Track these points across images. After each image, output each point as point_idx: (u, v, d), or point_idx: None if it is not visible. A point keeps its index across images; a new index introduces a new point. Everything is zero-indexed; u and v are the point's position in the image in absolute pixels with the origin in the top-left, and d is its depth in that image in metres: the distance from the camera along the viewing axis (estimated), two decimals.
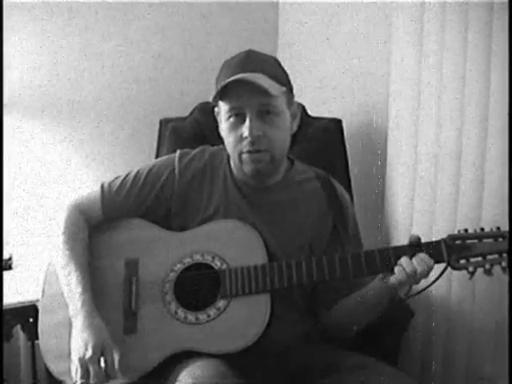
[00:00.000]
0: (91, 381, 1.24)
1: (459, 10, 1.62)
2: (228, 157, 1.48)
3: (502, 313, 1.59)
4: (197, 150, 1.52)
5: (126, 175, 1.48)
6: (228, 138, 1.40)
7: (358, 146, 2.08)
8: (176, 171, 1.46)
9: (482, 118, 1.61)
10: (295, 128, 1.45)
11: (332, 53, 2.18)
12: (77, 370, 1.25)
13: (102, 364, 1.25)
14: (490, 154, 1.60)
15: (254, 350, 1.26)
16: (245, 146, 1.36)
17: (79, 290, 1.33)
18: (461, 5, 1.62)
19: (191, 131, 1.94)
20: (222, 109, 1.39)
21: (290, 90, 1.42)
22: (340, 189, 1.52)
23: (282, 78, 1.39)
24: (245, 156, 1.38)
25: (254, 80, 1.31)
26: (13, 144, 1.98)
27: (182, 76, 2.26)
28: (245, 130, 1.34)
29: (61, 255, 1.39)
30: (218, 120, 1.45)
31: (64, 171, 2.09)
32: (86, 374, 1.24)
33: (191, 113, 1.99)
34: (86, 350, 1.24)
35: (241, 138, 1.36)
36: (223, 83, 1.32)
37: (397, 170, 1.85)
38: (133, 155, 2.16)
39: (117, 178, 1.49)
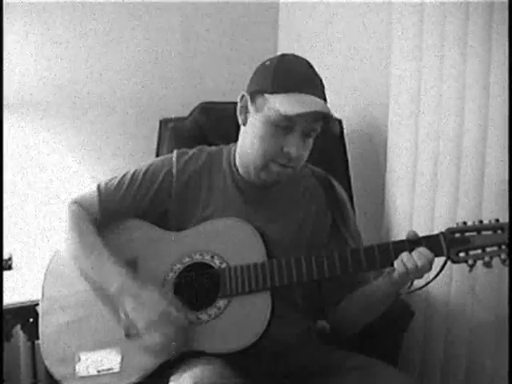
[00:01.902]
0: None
1: (459, 10, 1.62)
2: (230, 155, 1.48)
3: (502, 310, 1.59)
4: (194, 149, 1.51)
5: (123, 175, 1.48)
6: (264, 142, 1.35)
7: (358, 146, 2.08)
8: (173, 171, 1.46)
9: (482, 117, 1.61)
10: None
11: (332, 53, 2.18)
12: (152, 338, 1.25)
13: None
14: (489, 153, 1.60)
15: (253, 350, 1.26)
16: (280, 158, 1.35)
17: (115, 267, 1.32)
18: (461, 5, 1.62)
19: (191, 131, 1.94)
20: (273, 112, 1.32)
21: None
22: (337, 185, 1.53)
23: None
24: (274, 166, 1.36)
25: (329, 113, 1.31)
26: (13, 144, 1.98)
27: (182, 76, 2.26)
28: (291, 146, 1.33)
29: (79, 245, 1.38)
30: (244, 108, 1.38)
31: (64, 171, 2.09)
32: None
33: (191, 113, 1.99)
34: (154, 312, 1.25)
35: (280, 150, 1.34)
36: (303, 110, 1.29)
37: (397, 170, 1.85)
38: (133, 155, 2.15)
39: (113, 178, 1.48)
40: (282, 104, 1.30)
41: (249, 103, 1.38)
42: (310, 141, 1.38)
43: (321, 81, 1.38)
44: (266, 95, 1.34)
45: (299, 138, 1.34)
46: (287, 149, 1.33)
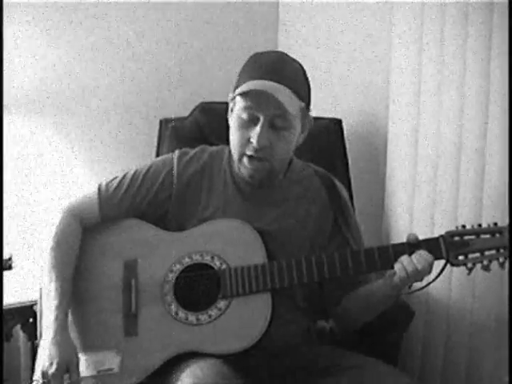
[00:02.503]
0: None
1: (459, 10, 1.62)
2: (230, 156, 1.48)
3: (501, 311, 1.59)
4: (196, 149, 1.51)
5: (124, 175, 1.48)
6: (234, 135, 1.39)
7: (358, 146, 2.08)
8: (174, 171, 1.46)
9: (482, 117, 1.61)
10: (301, 141, 1.45)
11: (332, 53, 2.18)
12: (37, 382, 1.24)
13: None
14: (489, 153, 1.60)
15: (253, 350, 1.27)
16: (248, 149, 1.36)
17: (56, 302, 1.31)
18: (461, 5, 1.62)
19: (191, 131, 1.94)
20: (238, 103, 1.37)
21: (308, 104, 1.42)
22: (339, 185, 1.53)
23: (304, 93, 1.39)
24: (245, 159, 1.38)
25: (275, 94, 1.30)
26: (13, 144, 1.98)
27: (182, 76, 2.25)
28: (254, 135, 1.34)
29: (46, 261, 1.38)
30: (230, 107, 1.43)
31: (64, 171, 2.09)
32: None
33: (191, 113, 1.99)
34: (51, 365, 1.24)
35: (247, 141, 1.36)
36: (247, 88, 1.32)
37: (397, 170, 1.85)
38: (133, 155, 2.15)
39: (114, 178, 1.48)
40: (237, 91, 1.35)
41: (232, 105, 1.42)
42: (285, 132, 1.36)
43: (293, 72, 1.37)
44: (236, 91, 1.37)
45: (265, 129, 1.34)
46: (251, 139, 1.35)
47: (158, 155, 1.94)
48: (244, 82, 1.35)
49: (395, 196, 1.87)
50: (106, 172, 2.07)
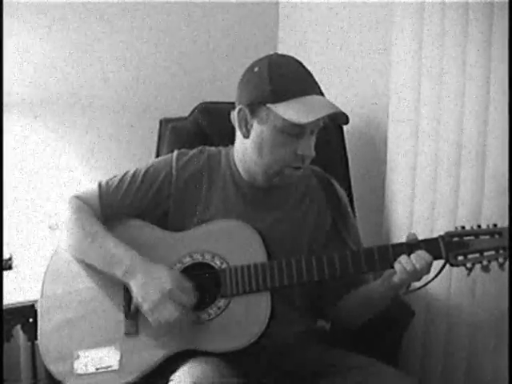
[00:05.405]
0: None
1: (459, 10, 1.62)
2: (228, 157, 1.48)
3: (501, 311, 1.59)
4: (195, 150, 1.52)
5: (124, 174, 1.48)
6: (273, 151, 1.35)
7: (358, 145, 2.08)
8: (173, 171, 1.46)
9: (482, 118, 1.61)
10: None
11: (332, 52, 2.18)
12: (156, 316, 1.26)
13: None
14: (489, 153, 1.60)
15: (253, 349, 1.27)
16: (296, 161, 1.36)
17: (122, 248, 1.33)
18: (461, 5, 1.62)
19: (191, 131, 1.94)
20: (281, 121, 1.31)
21: None
22: (337, 185, 1.54)
23: None
24: (289, 170, 1.37)
25: (339, 111, 1.31)
26: (13, 143, 1.98)
27: (182, 76, 2.26)
28: (305, 149, 1.34)
29: (82, 233, 1.38)
30: (244, 121, 1.37)
31: (64, 171, 2.09)
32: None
33: (191, 113, 1.99)
34: (163, 288, 1.26)
35: (294, 154, 1.35)
36: (323, 113, 1.30)
37: (397, 170, 1.85)
38: (133, 155, 2.16)
39: (114, 176, 1.49)
40: (291, 113, 1.30)
41: (248, 116, 1.37)
42: (315, 136, 1.39)
43: (311, 73, 1.38)
44: (269, 105, 1.32)
45: (310, 139, 1.35)
46: (301, 152, 1.35)
47: (158, 155, 1.94)
48: (286, 99, 1.31)
49: (395, 196, 1.87)
50: (106, 172, 2.07)
